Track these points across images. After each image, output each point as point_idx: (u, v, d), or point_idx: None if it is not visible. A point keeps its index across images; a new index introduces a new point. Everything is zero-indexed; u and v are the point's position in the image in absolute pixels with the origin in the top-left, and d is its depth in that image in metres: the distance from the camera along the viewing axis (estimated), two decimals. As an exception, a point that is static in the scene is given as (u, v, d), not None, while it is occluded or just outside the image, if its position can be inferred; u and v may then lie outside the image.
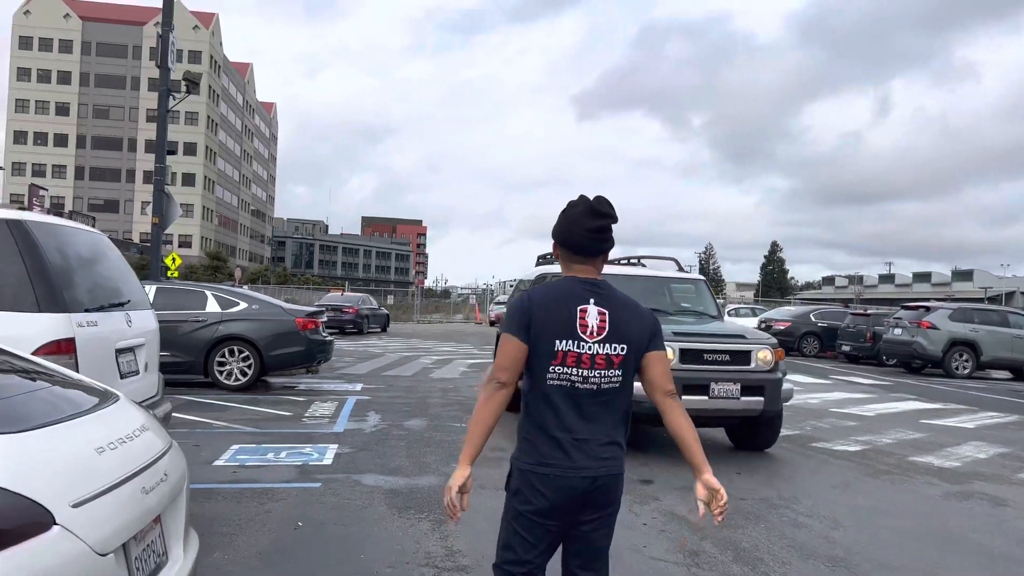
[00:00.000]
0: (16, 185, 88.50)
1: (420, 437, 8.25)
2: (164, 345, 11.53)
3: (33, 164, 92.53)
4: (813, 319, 24.43)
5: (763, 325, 25.19)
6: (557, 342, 2.46)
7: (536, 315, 2.48)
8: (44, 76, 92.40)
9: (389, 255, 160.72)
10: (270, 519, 5.11)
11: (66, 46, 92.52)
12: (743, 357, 7.59)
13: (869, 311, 23.85)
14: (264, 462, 6.83)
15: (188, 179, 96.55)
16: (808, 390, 14.31)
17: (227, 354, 11.48)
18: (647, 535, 5.08)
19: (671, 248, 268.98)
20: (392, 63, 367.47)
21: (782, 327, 24.36)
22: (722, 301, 53.60)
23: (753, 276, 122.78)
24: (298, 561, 4.35)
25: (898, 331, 19.21)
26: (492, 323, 38.86)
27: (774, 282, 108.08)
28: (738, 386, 7.39)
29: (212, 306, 11.67)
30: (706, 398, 7.27)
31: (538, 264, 11.09)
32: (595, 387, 2.47)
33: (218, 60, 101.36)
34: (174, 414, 9.26)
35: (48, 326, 4.01)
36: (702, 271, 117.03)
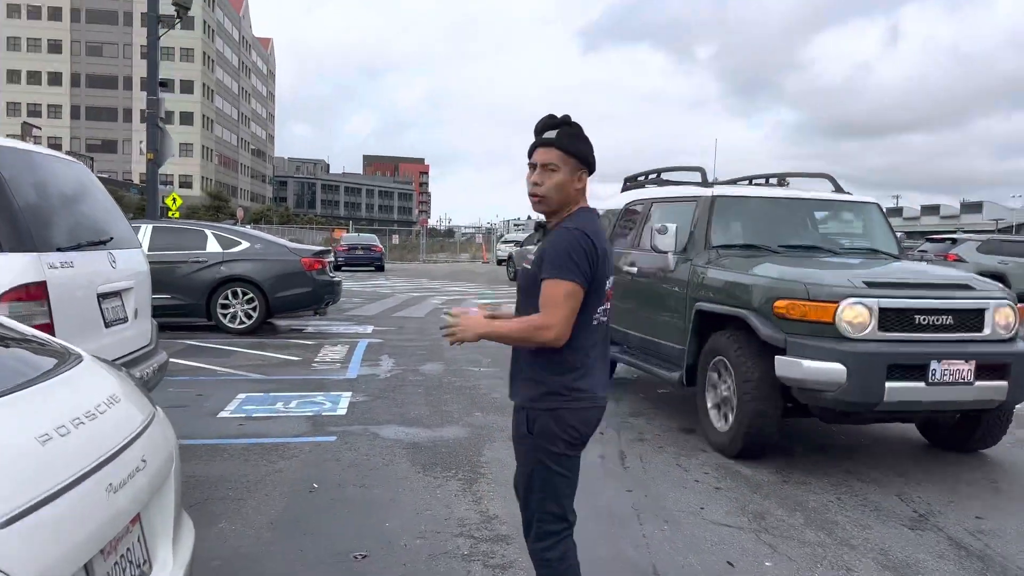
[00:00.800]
0: (12, 126, 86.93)
1: (438, 383, 7.72)
2: (163, 287, 10.99)
3: (28, 104, 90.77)
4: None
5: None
6: (607, 281, 2.43)
7: (601, 257, 2.37)
8: (34, 12, 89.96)
9: (392, 194, 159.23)
10: (281, 480, 4.59)
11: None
12: (975, 319, 4.97)
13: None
14: (273, 413, 6.31)
15: (186, 118, 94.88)
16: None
17: (230, 296, 10.91)
18: (702, 494, 4.56)
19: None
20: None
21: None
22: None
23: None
24: (315, 531, 3.83)
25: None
26: (500, 262, 38.26)
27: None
28: (971, 365, 4.78)
29: (213, 246, 11.05)
30: (923, 385, 4.71)
31: (626, 189, 8.34)
32: (608, 319, 2.50)
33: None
34: (175, 360, 8.78)
35: (13, 268, 3.40)
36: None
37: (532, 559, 2.54)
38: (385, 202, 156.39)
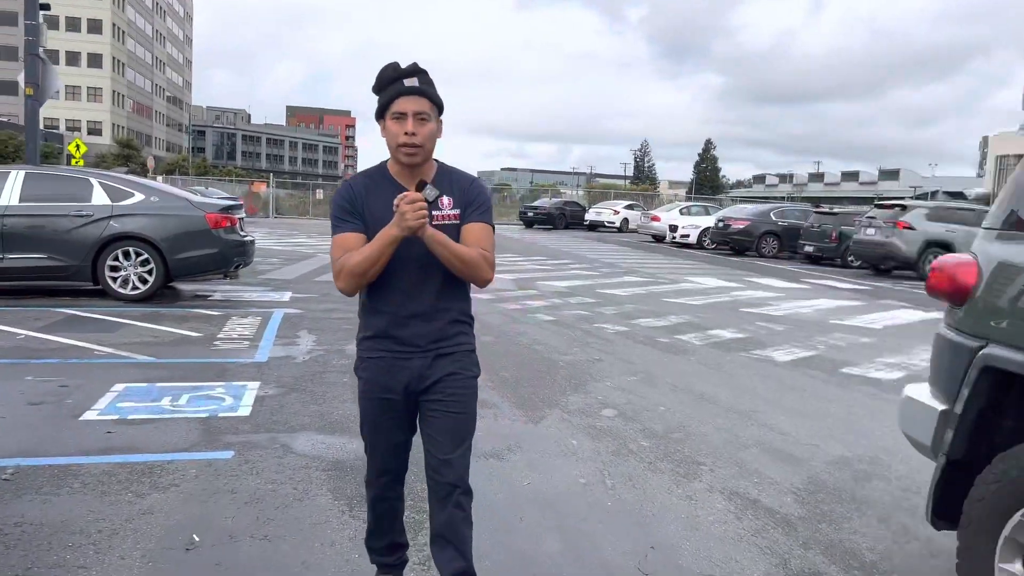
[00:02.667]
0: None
1: (368, 368, 6.44)
2: (37, 245, 9.26)
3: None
4: (773, 218, 23.13)
5: (720, 224, 23.89)
6: None
7: None
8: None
9: (316, 147, 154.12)
10: (148, 529, 3.29)
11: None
12: None
13: (836, 210, 22.65)
14: (155, 413, 4.94)
15: (94, 60, 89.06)
16: (790, 296, 12.98)
17: (121, 257, 9.30)
18: (729, 542, 3.46)
19: (609, 145, 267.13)
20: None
21: (740, 226, 23.04)
22: (658, 198, 52.45)
23: (683, 174, 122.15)
24: (186, 628, 2.56)
25: (871, 231, 18.02)
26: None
27: (707, 180, 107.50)
28: None
29: (99, 197, 9.38)
30: None
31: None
32: None
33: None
34: (43, 335, 7.26)
35: None
36: (637, 169, 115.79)
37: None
38: (310, 155, 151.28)
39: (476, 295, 11.84)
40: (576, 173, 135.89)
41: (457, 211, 2.40)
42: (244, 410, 5.06)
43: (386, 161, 2.44)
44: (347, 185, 2.45)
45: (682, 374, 6.74)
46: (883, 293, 14.49)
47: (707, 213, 28.31)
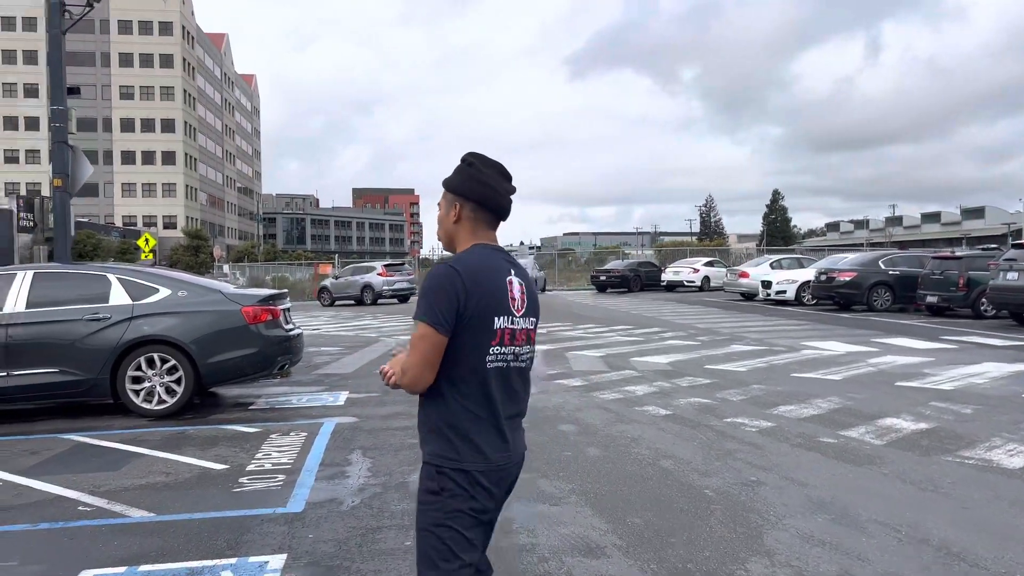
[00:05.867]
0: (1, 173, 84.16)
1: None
2: (47, 358, 7.78)
3: (5, 151, 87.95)
4: (883, 267, 20.65)
5: (822, 276, 21.53)
6: (496, 319, 2.22)
7: (471, 292, 2.17)
8: (8, 57, 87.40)
9: (383, 226, 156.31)
10: None
11: (27, 23, 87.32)
12: None
13: (959, 253, 20.06)
14: (116, 635, 3.17)
15: (168, 157, 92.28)
16: (943, 361, 10.67)
17: (144, 365, 7.80)
18: None
19: (671, 204, 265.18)
20: (383, 33, 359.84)
21: (846, 278, 20.63)
22: (730, 252, 49.81)
23: (750, 227, 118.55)
24: None
25: (1012, 275, 15.51)
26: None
27: (777, 231, 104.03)
28: None
29: (118, 296, 7.94)
30: None
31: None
32: (524, 364, 2.32)
33: (191, 31, 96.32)
34: (24, 481, 5.63)
35: None
36: (703, 224, 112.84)
37: None
38: (376, 234, 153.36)
39: (565, 381, 10.02)
40: (640, 233, 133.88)
41: None
42: (252, 623, 3.26)
43: None
44: None
45: (889, 503, 4.68)
46: (1052, 349, 12.01)
47: (801, 265, 25.92)
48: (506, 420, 2.26)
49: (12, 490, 5.37)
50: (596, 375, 10.08)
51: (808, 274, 23.20)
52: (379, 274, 30.40)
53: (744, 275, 26.36)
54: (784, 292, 23.53)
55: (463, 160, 2.34)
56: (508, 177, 2.35)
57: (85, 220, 66.31)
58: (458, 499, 2.19)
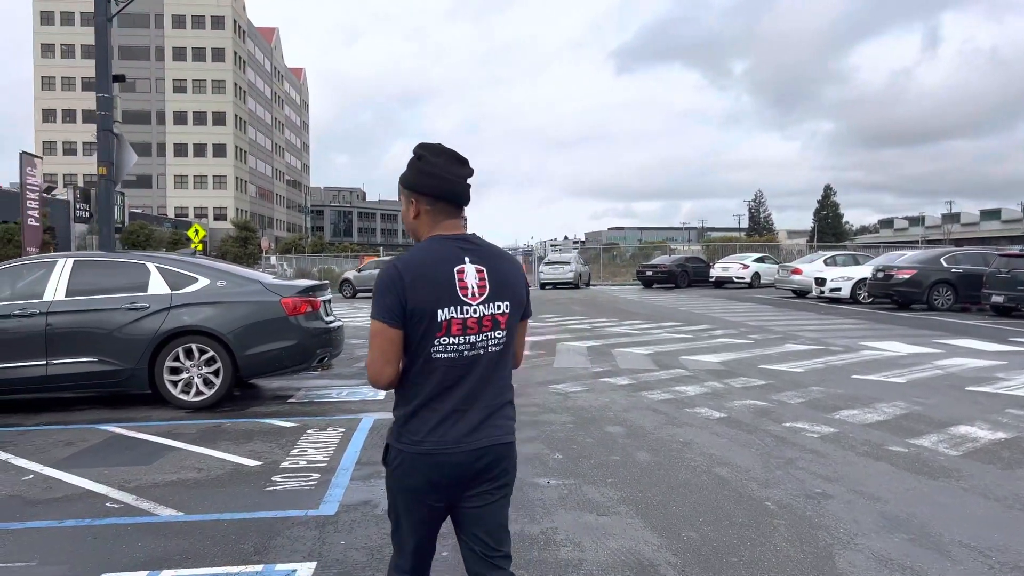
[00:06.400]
0: (49, 165, 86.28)
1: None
2: (87, 347, 7.65)
3: (64, 143, 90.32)
4: (945, 264, 19.80)
5: (880, 274, 20.74)
6: (441, 311, 2.19)
7: (410, 285, 2.17)
8: (68, 51, 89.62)
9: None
10: None
11: (85, 18, 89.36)
12: None
13: (1027, 251, 19.13)
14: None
15: (219, 150, 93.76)
16: (1016, 364, 10.04)
17: (182, 355, 7.66)
18: None
19: (719, 199, 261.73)
20: (431, 27, 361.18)
21: (905, 276, 19.84)
22: (779, 248, 48.63)
23: (800, 223, 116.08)
24: None
25: (1087, 275, 14.67)
26: (544, 286, 34.90)
27: (828, 227, 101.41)
28: None
29: (157, 285, 7.82)
30: None
31: None
32: (482, 352, 2.24)
33: (242, 25, 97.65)
34: (57, 473, 5.52)
35: None
36: (752, 219, 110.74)
37: None
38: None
39: (611, 379, 9.67)
40: (687, 228, 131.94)
41: None
42: (274, 641, 3.01)
43: None
44: None
45: (972, 523, 4.25)
46: None
47: (856, 262, 25.06)
48: (465, 410, 2.24)
49: (43, 483, 5.23)
50: (644, 373, 9.70)
51: (864, 271, 22.40)
52: None
53: (797, 272, 25.59)
54: (839, 290, 22.75)
55: (413, 153, 2.33)
56: (462, 161, 2.31)
57: (139, 211, 67.75)
58: (394, 478, 2.28)
